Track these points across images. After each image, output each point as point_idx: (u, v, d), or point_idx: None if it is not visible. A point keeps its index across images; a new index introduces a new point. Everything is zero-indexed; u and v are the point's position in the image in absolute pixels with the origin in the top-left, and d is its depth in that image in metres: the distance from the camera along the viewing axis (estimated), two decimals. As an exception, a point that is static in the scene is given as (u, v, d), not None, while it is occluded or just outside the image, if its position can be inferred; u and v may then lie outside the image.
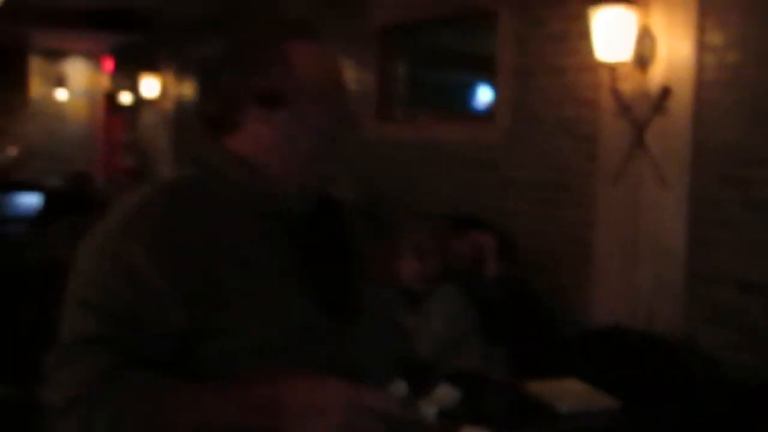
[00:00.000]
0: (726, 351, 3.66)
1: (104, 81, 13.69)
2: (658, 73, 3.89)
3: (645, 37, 3.91)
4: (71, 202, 7.53)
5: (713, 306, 3.73)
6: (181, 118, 10.09)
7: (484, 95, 5.74)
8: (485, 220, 4.67)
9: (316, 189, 1.54)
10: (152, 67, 10.52)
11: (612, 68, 3.98)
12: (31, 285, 3.97)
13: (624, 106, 4.00)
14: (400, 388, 1.32)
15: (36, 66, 12.74)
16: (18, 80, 11.24)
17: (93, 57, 13.85)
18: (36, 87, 12.75)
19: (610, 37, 3.91)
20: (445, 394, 3.01)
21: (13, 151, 11.20)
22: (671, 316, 3.87)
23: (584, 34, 4.21)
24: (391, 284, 3.45)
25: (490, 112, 5.20)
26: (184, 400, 1.24)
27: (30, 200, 9.85)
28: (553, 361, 3.82)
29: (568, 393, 3.30)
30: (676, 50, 3.82)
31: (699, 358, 3.69)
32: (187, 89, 9.95)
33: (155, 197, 1.41)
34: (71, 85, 13.81)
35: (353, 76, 6.29)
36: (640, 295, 4.00)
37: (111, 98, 13.45)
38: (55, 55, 13.72)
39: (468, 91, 5.90)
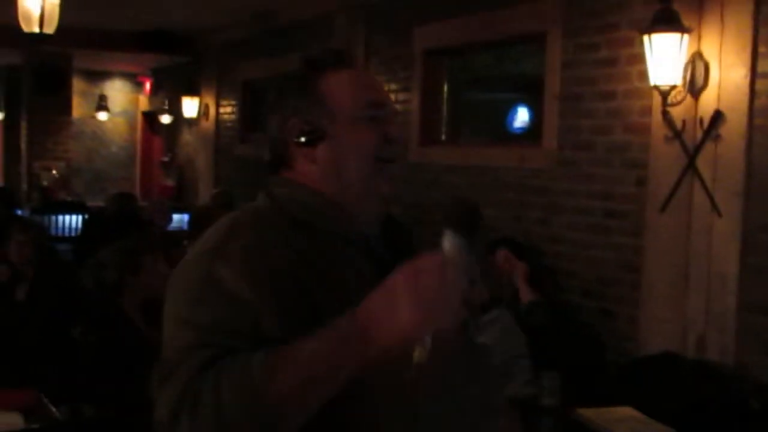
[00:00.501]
0: (779, 380, 3.63)
1: (144, 101, 13.88)
2: (710, 99, 3.87)
3: (697, 63, 3.91)
4: (115, 222, 7.60)
5: (766, 335, 3.69)
6: (221, 139, 10.19)
7: (522, 117, 5.76)
8: (521, 243, 4.67)
9: (380, 210, 1.58)
10: (193, 89, 10.65)
11: (663, 93, 3.97)
12: (86, 308, 4.02)
13: (675, 132, 3.99)
14: (451, 239, 1.31)
15: (78, 87, 12.94)
16: (61, 101, 11.40)
17: (133, 78, 14.06)
18: (78, 107, 12.94)
19: (662, 61, 3.91)
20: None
21: (56, 172, 11.35)
22: (722, 344, 3.83)
23: (634, 59, 4.21)
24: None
25: (535, 136, 5.20)
26: (280, 360, 1.26)
27: (73, 220, 9.96)
28: (603, 388, 3.79)
29: (622, 420, 3.28)
30: (728, 76, 3.80)
31: (751, 387, 3.64)
32: (227, 110, 10.06)
33: (242, 220, 1.49)
34: (112, 105, 14.02)
35: (399, 98, 6.33)
36: (690, 322, 3.97)
37: (150, 118, 13.63)
38: (97, 76, 13.95)
39: (509, 113, 5.91)
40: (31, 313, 4.38)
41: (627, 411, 3.41)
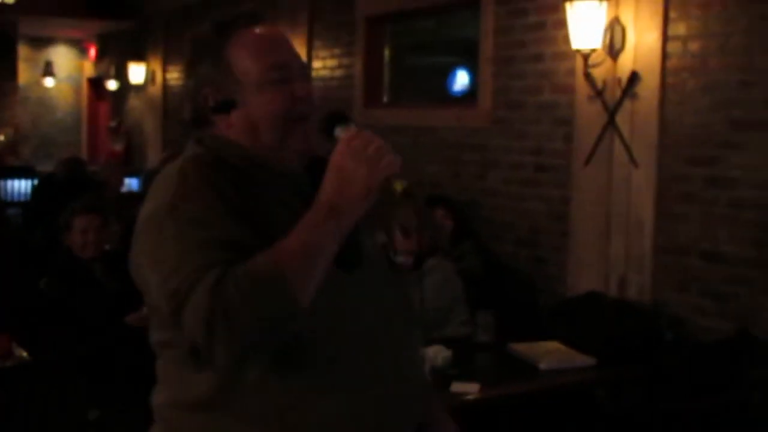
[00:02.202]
0: (691, 315, 4.01)
1: (89, 67, 13.85)
2: (627, 61, 4.22)
3: (615, 27, 4.24)
4: (65, 187, 7.72)
5: (679, 274, 4.07)
6: (168, 104, 10.31)
7: (462, 80, 6.03)
8: (449, 198, 5.03)
9: (298, 161, 1.70)
10: (139, 54, 10.73)
11: (585, 56, 4.30)
12: (49, 261, 4.25)
13: (597, 91, 4.33)
14: (343, 127, 1.59)
15: (23, 53, 12.90)
16: (7, 67, 11.40)
17: (78, 44, 14.02)
18: (23, 74, 12.91)
19: (583, 26, 4.24)
20: (437, 354, 3.34)
21: (3, 137, 11.37)
22: (641, 283, 4.21)
23: (560, 24, 4.53)
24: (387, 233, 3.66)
25: (472, 97, 5.51)
26: (276, 252, 1.44)
27: (23, 185, 10.04)
28: (534, 327, 4.12)
29: (548, 352, 3.63)
30: (643, 39, 4.15)
31: (666, 321, 4.01)
32: (174, 76, 10.17)
33: (185, 166, 1.61)
34: (57, 71, 13.98)
35: (343, 62, 6.59)
36: (612, 265, 4.34)
37: (96, 84, 13.63)
38: (42, 42, 13.90)
39: (449, 76, 6.18)
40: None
41: (554, 344, 3.75)
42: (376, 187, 1.50)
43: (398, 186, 1.52)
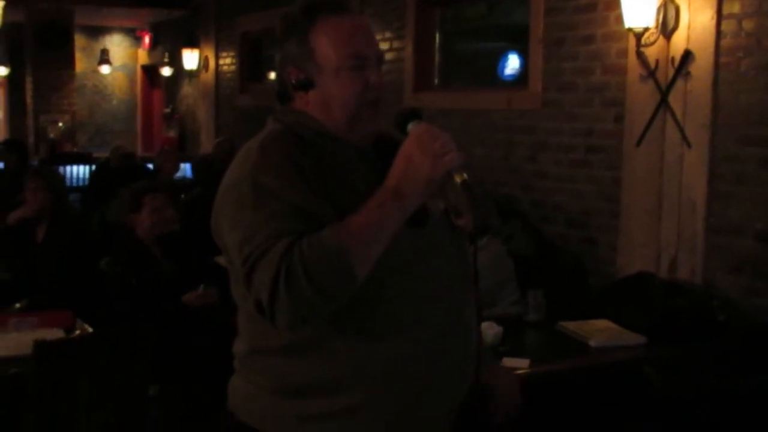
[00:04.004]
0: (743, 296, 3.99)
1: (143, 55, 14.07)
2: (680, 40, 4.19)
3: (668, 6, 4.22)
4: (121, 173, 7.90)
5: (731, 255, 4.05)
6: (221, 90, 10.45)
7: (513, 64, 6.03)
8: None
9: (367, 139, 1.85)
10: (192, 41, 10.87)
11: (638, 35, 4.29)
12: (110, 241, 4.37)
13: (649, 71, 4.32)
14: (415, 123, 1.76)
15: (78, 43, 13.15)
16: (64, 56, 11.64)
17: (131, 32, 14.25)
18: (79, 63, 13.16)
19: (636, 5, 4.22)
20: (489, 330, 3.38)
21: (62, 124, 11.62)
22: (692, 264, 4.20)
23: (611, 4, 4.53)
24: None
25: (522, 79, 5.52)
26: (342, 228, 1.59)
27: (80, 171, 10.25)
28: (584, 306, 4.14)
29: (599, 330, 3.65)
30: (697, 18, 4.12)
31: (717, 302, 3.99)
32: (227, 62, 10.30)
33: (265, 143, 1.76)
34: (112, 60, 14.22)
35: (393, 46, 6.63)
36: (663, 245, 4.33)
37: (150, 72, 13.84)
38: (97, 31, 14.16)
39: (499, 61, 6.19)
40: (49, 252, 4.72)
41: (604, 323, 3.76)
42: (438, 178, 1.64)
43: (458, 178, 1.66)
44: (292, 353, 1.74)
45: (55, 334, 3.37)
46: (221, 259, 1.90)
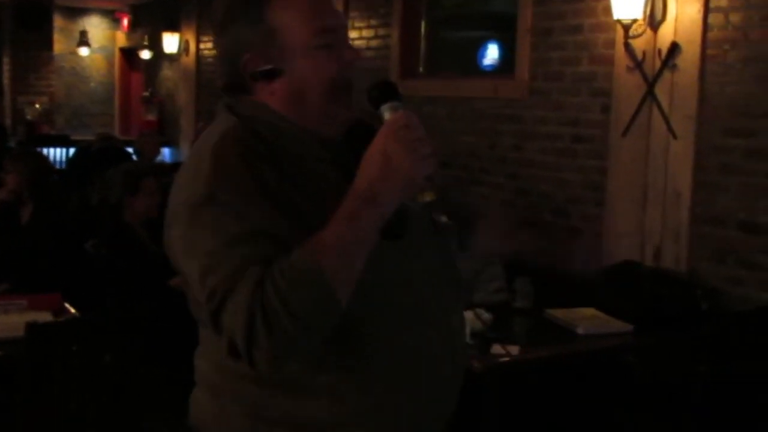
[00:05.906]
0: (726, 284, 4.05)
1: (121, 38, 13.95)
2: (668, 32, 4.23)
3: (656, -2, 4.26)
4: (100, 157, 7.84)
5: (716, 244, 4.11)
6: (202, 74, 10.39)
7: (492, 54, 6.04)
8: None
9: (339, 130, 1.60)
10: (173, 25, 10.79)
11: (625, 26, 4.32)
12: (96, 223, 4.36)
13: (636, 62, 4.35)
14: (390, 107, 1.48)
15: (57, 24, 13.02)
16: (43, 37, 11.52)
17: (110, 14, 14.12)
18: (57, 44, 13.04)
19: (624, -3, 4.26)
20: (479, 316, 3.41)
21: (39, 106, 11.52)
22: (677, 253, 4.25)
23: (600, -5, 4.56)
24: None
25: (509, 67, 5.54)
26: (314, 246, 1.36)
27: (58, 153, 10.17)
28: (570, 295, 4.17)
29: (586, 318, 3.70)
30: (684, 10, 4.16)
31: (701, 291, 4.05)
32: (208, 46, 10.24)
33: (219, 145, 1.48)
34: (91, 42, 14.09)
35: (379, 33, 6.63)
36: (648, 234, 4.38)
37: (129, 54, 13.73)
38: (75, 12, 14.01)
39: (482, 51, 6.19)
40: (34, 233, 4.69)
41: (590, 311, 3.81)
42: (417, 182, 1.41)
43: (427, 196, 1.45)
44: (267, 385, 1.52)
45: (43, 316, 3.36)
46: None
